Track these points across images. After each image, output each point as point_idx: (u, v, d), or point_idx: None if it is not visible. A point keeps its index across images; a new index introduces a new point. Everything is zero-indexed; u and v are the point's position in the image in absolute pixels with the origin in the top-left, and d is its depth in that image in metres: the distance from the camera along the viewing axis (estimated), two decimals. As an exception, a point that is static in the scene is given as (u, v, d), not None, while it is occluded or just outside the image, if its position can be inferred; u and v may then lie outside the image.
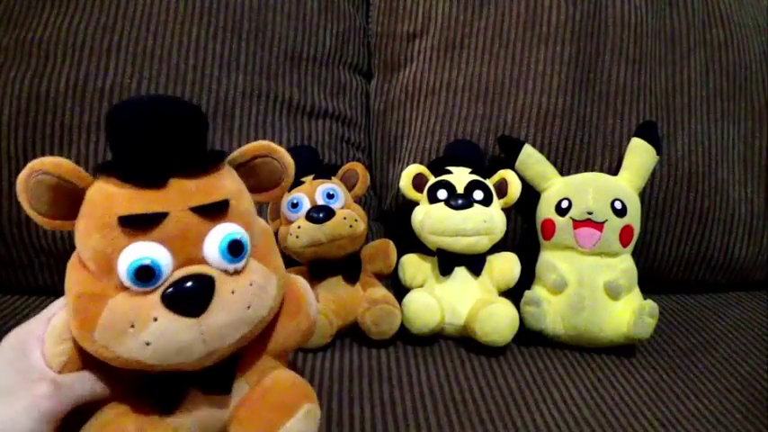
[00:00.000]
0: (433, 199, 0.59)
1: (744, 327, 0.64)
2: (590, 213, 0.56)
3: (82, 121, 0.61)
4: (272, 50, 0.69)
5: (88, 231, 0.32)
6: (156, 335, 0.30)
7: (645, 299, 0.56)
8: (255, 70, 0.67)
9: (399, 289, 0.62)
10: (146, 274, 0.31)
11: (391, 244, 0.63)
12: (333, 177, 0.60)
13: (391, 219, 0.73)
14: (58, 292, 0.33)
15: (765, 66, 0.75)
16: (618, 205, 0.56)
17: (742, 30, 0.75)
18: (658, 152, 0.61)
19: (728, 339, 0.61)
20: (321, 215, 0.54)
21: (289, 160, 0.38)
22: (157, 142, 0.32)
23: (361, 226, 0.56)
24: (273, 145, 0.38)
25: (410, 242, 0.62)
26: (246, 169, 0.38)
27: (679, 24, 0.73)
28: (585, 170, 0.66)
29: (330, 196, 0.57)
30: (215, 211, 0.33)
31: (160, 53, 0.64)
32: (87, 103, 0.61)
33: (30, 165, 0.31)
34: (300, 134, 0.69)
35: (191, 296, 0.31)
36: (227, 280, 0.33)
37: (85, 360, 0.33)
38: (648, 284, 0.71)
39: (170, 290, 0.31)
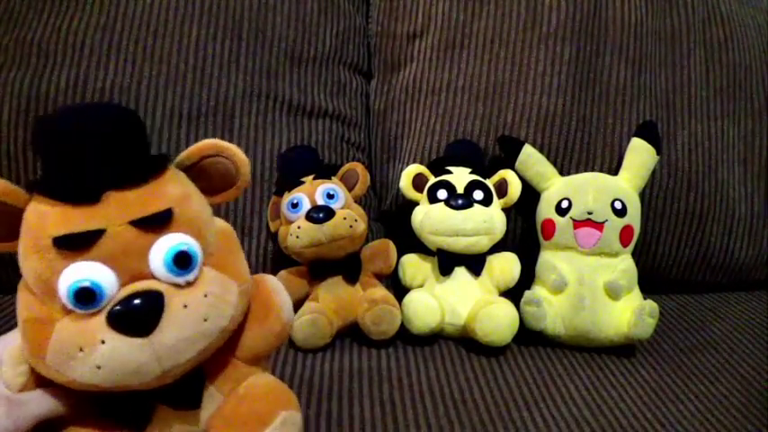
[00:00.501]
0: (432, 199, 0.59)
1: (744, 327, 0.64)
2: (590, 213, 0.56)
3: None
4: (272, 50, 0.69)
5: (26, 254, 0.30)
6: (105, 358, 0.29)
7: (645, 299, 0.56)
8: (255, 70, 0.67)
9: (399, 289, 0.62)
10: (86, 297, 0.29)
11: (391, 244, 0.63)
12: (333, 177, 0.60)
13: (391, 219, 0.73)
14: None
15: (765, 65, 0.75)
16: (618, 205, 0.56)
17: (742, 29, 0.75)
18: (658, 152, 0.61)
19: (728, 339, 0.61)
20: (321, 215, 0.54)
21: (241, 158, 0.36)
22: (87, 155, 0.30)
23: (361, 226, 0.56)
24: (222, 143, 0.35)
25: (410, 242, 0.62)
26: (195, 171, 0.35)
27: (679, 24, 0.73)
28: (585, 170, 0.66)
29: (330, 196, 0.57)
30: (157, 223, 0.31)
31: (160, 53, 0.64)
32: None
33: None
34: (300, 134, 0.69)
35: (137, 314, 0.29)
36: (177, 294, 0.31)
37: (45, 379, 0.32)
38: (648, 284, 0.71)
39: (115, 309, 0.29)
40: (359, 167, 0.62)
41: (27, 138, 0.61)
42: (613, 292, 0.55)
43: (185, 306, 0.31)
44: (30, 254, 0.30)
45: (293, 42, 0.70)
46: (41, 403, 0.32)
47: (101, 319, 0.29)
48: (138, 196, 0.31)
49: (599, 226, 0.56)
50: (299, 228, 0.54)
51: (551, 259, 0.59)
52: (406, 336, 0.57)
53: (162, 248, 0.31)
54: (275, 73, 0.69)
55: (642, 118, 0.68)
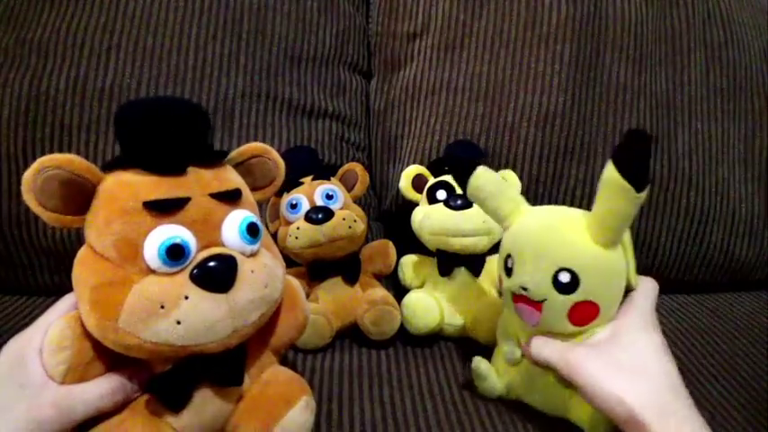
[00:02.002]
0: (432, 199, 0.59)
1: (744, 327, 0.64)
2: (524, 289, 0.40)
3: (82, 121, 0.61)
4: (272, 50, 0.69)
5: (108, 220, 0.32)
6: (187, 312, 0.31)
7: None
8: (255, 70, 0.67)
9: (399, 289, 0.62)
10: (177, 253, 0.32)
11: (391, 244, 0.63)
12: (332, 178, 0.60)
13: (391, 219, 0.73)
14: (58, 292, 0.33)
15: (765, 65, 0.75)
16: (564, 278, 0.39)
17: (742, 29, 0.75)
18: (639, 186, 0.36)
19: (728, 339, 0.61)
20: (320, 216, 0.54)
21: (281, 161, 0.42)
22: (175, 135, 0.34)
23: (361, 226, 0.56)
24: (268, 146, 0.41)
25: (410, 242, 0.62)
26: (243, 168, 0.40)
27: (679, 24, 0.73)
28: (585, 170, 0.66)
29: (329, 197, 0.57)
30: (231, 198, 0.36)
31: (160, 53, 0.64)
32: (87, 103, 0.61)
33: (39, 161, 0.31)
34: (300, 134, 0.69)
35: (219, 273, 0.33)
36: (246, 260, 0.35)
37: (88, 368, 0.33)
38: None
39: (198, 269, 0.32)
40: (358, 168, 0.62)
41: (27, 138, 0.61)
42: (564, 382, 0.42)
43: (252, 271, 0.35)
44: (114, 218, 0.32)
45: (293, 42, 0.70)
46: (88, 406, 0.33)
47: (184, 277, 0.32)
48: (213, 174, 0.36)
49: (537, 305, 0.40)
50: (298, 228, 0.54)
51: (507, 324, 0.48)
52: (405, 336, 0.57)
53: (236, 218, 0.35)
54: (275, 73, 0.69)
55: (642, 118, 0.68)
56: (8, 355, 0.33)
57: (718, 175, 0.70)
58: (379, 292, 0.57)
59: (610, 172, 0.37)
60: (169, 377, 0.35)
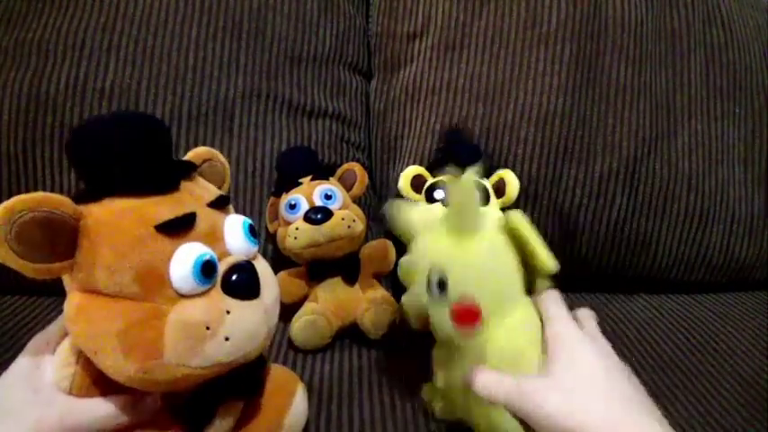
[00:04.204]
0: (430, 199, 0.59)
1: (744, 327, 0.64)
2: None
3: (82, 122, 0.61)
4: (272, 50, 0.69)
5: (121, 253, 0.29)
6: (233, 326, 0.31)
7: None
8: (255, 70, 0.67)
9: (398, 289, 0.62)
10: (210, 269, 0.31)
11: (390, 244, 0.62)
12: (330, 178, 0.60)
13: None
14: (57, 292, 0.32)
15: (765, 66, 0.75)
16: (434, 278, 0.36)
17: (742, 30, 0.75)
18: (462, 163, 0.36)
19: (728, 339, 0.61)
20: (319, 216, 0.54)
21: (226, 163, 0.40)
22: (160, 150, 0.33)
23: (360, 226, 0.56)
24: (213, 150, 0.39)
25: (409, 242, 0.62)
26: (198, 173, 0.38)
27: (679, 24, 0.73)
28: (585, 170, 0.66)
29: (328, 197, 0.57)
30: (225, 204, 0.35)
31: (160, 53, 0.64)
32: (87, 103, 0.61)
33: (3, 207, 0.26)
34: (300, 134, 0.69)
35: (249, 280, 0.33)
36: (255, 263, 0.35)
37: (92, 387, 0.32)
38: (648, 285, 0.71)
39: (229, 281, 0.31)
40: (357, 167, 0.62)
41: (27, 138, 0.61)
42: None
43: (265, 272, 0.35)
44: (128, 250, 0.29)
45: (293, 42, 0.70)
46: (95, 422, 0.31)
47: (218, 293, 0.31)
48: (197, 185, 0.35)
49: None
50: (297, 229, 0.54)
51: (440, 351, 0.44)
52: (404, 336, 0.56)
53: (236, 223, 0.34)
54: (275, 73, 0.69)
55: (642, 118, 0.68)
56: (29, 354, 0.33)
57: (718, 175, 0.70)
58: (379, 292, 0.57)
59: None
60: (198, 398, 0.34)
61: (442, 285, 0.36)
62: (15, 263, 0.27)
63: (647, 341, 0.59)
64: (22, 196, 0.27)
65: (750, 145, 0.73)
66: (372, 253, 0.62)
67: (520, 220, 0.37)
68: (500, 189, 0.61)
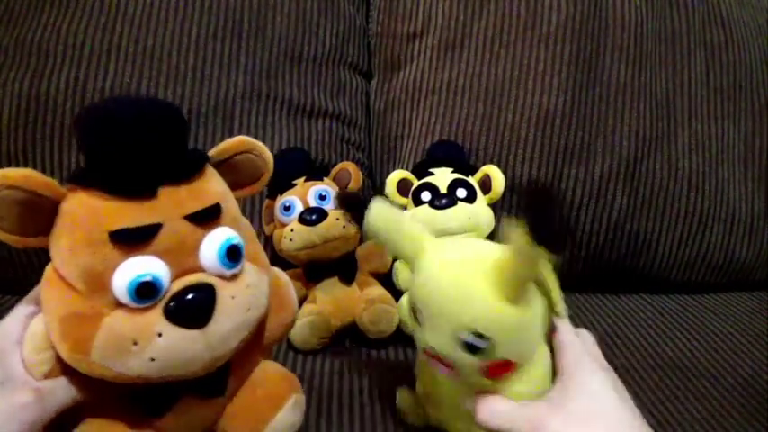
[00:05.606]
0: (417, 202, 0.59)
1: (744, 327, 0.64)
2: (430, 347, 0.35)
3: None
4: (272, 50, 0.69)
5: (74, 249, 0.29)
6: (161, 350, 0.29)
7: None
8: (255, 70, 0.67)
9: (397, 288, 0.62)
10: (146, 291, 0.29)
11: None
12: (325, 178, 0.60)
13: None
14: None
15: (765, 66, 0.75)
16: (469, 339, 0.33)
17: (742, 30, 0.75)
18: (557, 247, 0.29)
19: (728, 339, 0.61)
20: (314, 217, 0.54)
21: (269, 154, 0.38)
22: (144, 147, 0.30)
23: (355, 226, 0.56)
24: (253, 140, 0.37)
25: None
26: (226, 167, 0.36)
27: (679, 24, 0.73)
28: (585, 170, 0.66)
29: (322, 197, 0.57)
30: (209, 217, 0.32)
31: (160, 53, 0.64)
32: (87, 103, 0.61)
33: None
34: (300, 134, 0.69)
35: (195, 307, 0.30)
36: (226, 286, 0.31)
37: (69, 367, 0.31)
38: (649, 285, 0.71)
39: (173, 303, 0.29)
40: (351, 167, 0.61)
41: (27, 138, 0.61)
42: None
43: (233, 297, 0.32)
44: (80, 248, 0.29)
45: (293, 42, 0.70)
46: (68, 392, 0.31)
47: (157, 313, 0.29)
48: (189, 191, 0.32)
49: (447, 362, 0.35)
50: (292, 231, 0.54)
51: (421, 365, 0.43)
52: (404, 335, 0.57)
53: (215, 242, 0.31)
54: (275, 73, 0.69)
55: (642, 118, 0.68)
56: None
57: (718, 175, 0.70)
58: (377, 291, 0.57)
59: (519, 237, 0.29)
60: (151, 390, 0.32)
61: (474, 345, 0.33)
62: None
63: (647, 341, 0.59)
64: (8, 171, 0.28)
65: (750, 145, 0.73)
66: (369, 252, 0.62)
67: (545, 267, 0.35)
68: (486, 185, 0.60)
